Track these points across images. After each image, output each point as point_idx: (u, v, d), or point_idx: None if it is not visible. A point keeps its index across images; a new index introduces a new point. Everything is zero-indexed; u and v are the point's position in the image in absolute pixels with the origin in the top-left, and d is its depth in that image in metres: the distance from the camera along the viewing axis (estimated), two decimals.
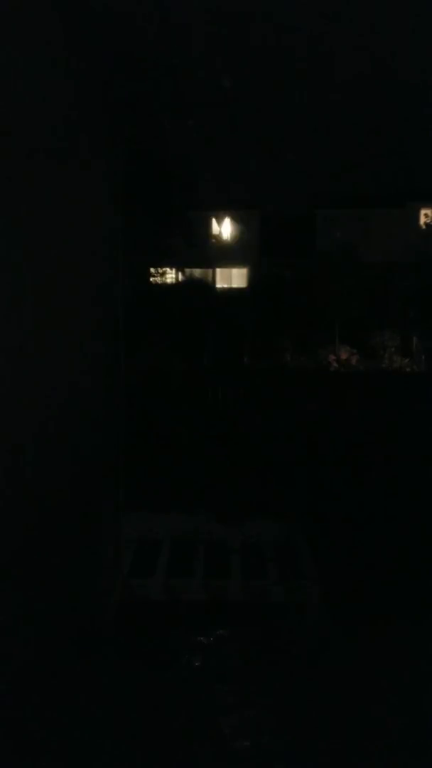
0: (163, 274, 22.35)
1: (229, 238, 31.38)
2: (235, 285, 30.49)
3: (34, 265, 4.79)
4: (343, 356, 21.78)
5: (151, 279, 21.38)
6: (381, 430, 13.94)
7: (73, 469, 6.10)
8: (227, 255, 31.02)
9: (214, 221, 31.12)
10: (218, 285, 30.28)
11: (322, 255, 25.47)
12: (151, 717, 5.80)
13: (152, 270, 21.16)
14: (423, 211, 29.91)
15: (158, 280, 21.97)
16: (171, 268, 24.01)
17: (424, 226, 27.35)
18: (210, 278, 30.14)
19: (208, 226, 30.83)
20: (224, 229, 31.29)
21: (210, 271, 30.46)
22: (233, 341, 21.47)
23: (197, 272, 28.49)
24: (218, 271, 31.09)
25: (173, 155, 15.81)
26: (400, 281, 22.38)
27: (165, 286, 22.83)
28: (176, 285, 24.89)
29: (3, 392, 4.12)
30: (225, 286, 30.32)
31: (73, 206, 6.11)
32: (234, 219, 31.26)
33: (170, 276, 24.51)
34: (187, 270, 27.23)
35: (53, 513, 5.36)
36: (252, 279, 29.96)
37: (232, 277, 31.26)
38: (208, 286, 27.43)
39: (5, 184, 4.13)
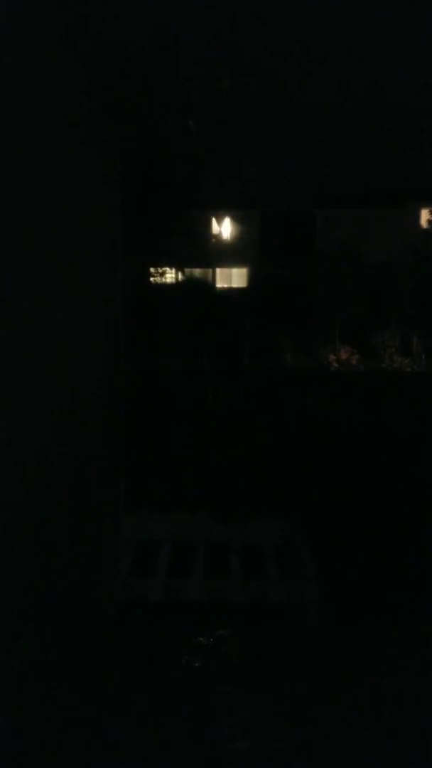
0: (163, 274, 22.33)
1: (229, 238, 31.38)
2: (235, 285, 30.48)
3: (34, 266, 4.78)
4: (343, 356, 21.78)
5: (151, 279, 21.35)
6: (381, 429, 13.95)
7: (73, 469, 6.09)
8: (227, 255, 31.02)
9: (214, 221, 31.12)
10: (218, 285, 30.27)
11: (322, 255, 25.47)
12: (150, 717, 5.79)
13: (152, 270, 21.14)
14: (424, 211, 29.91)
15: (158, 280, 21.95)
16: (171, 268, 23.98)
17: (427, 224, 27.31)
18: (210, 278, 30.13)
19: (208, 226, 30.83)
20: (224, 229, 31.28)
21: (210, 271, 30.45)
22: (233, 341, 21.47)
23: (197, 272, 28.48)
24: (218, 271, 31.08)
25: (173, 155, 15.80)
26: (400, 281, 22.38)
27: (165, 286, 22.81)
28: (176, 285, 24.88)
29: (3, 392, 4.11)
30: (225, 286, 30.31)
31: (73, 206, 6.10)
32: (234, 219, 31.26)
33: (170, 276, 24.48)
34: (187, 270, 27.21)
35: (53, 513, 5.35)
36: (252, 279, 29.95)
37: (232, 277, 31.25)
38: (208, 286, 27.43)
39: (4, 185, 4.12)
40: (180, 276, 26.15)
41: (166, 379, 16.45)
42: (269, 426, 14.11)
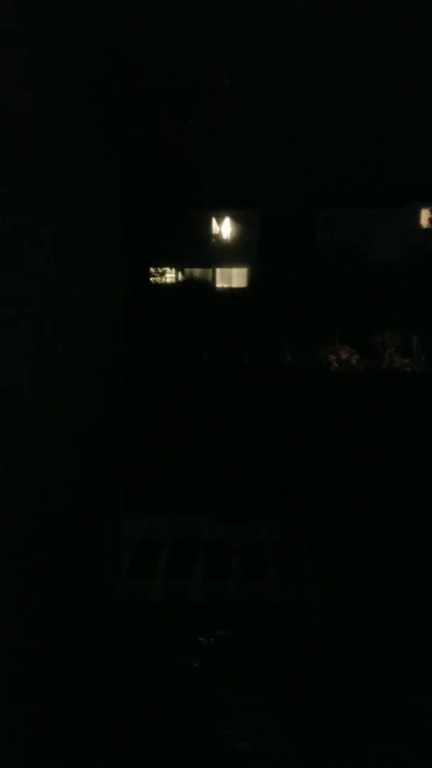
0: (163, 274, 22.32)
1: (229, 238, 31.41)
2: (235, 285, 30.50)
3: (35, 266, 4.78)
4: (343, 356, 21.78)
5: (151, 279, 21.34)
6: (381, 429, 13.94)
7: (73, 469, 6.09)
8: (227, 255, 31.04)
9: (214, 221, 31.14)
10: (218, 285, 30.29)
11: (322, 255, 25.46)
12: (151, 717, 5.79)
13: (152, 270, 21.12)
14: (424, 211, 29.95)
15: (158, 280, 21.94)
16: (171, 268, 23.97)
17: (427, 224, 27.31)
18: (210, 278, 30.15)
19: (208, 225, 30.85)
20: (224, 228, 31.31)
21: (210, 271, 30.47)
22: (233, 341, 21.46)
23: (197, 272, 28.49)
24: (218, 271, 31.11)
25: (174, 154, 15.80)
26: (400, 281, 22.35)
27: (165, 286, 22.80)
28: (176, 285, 24.87)
29: (3, 393, 4.11)
30: (225, 286, 30.33)
31: (74, 206, 6.10)
32: (234, 219, 31.29)
33: (170, 276, 24.47)
34: (187, 270, 27.22)
35: (53, 514, 5.35)
36: (252, 279, 29.97)
37: (232, 277, 31.28)
38: (208, 286, 27.41)
39: (6, 186, 4.11)
40: (180, 276, 26.14)
41: (166, 378, 16.45)
42: (269, 426, 14.11)
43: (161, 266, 21.65)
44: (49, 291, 5.18)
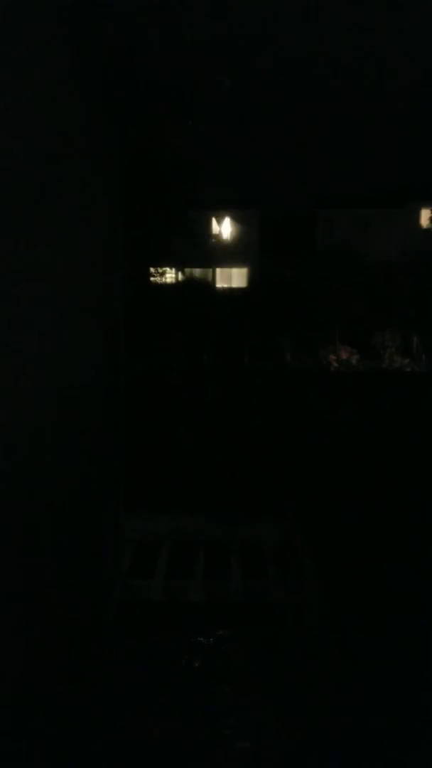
0: (163, 274, 22.34)
1: (229, 238, 31.45)
2: (235, 285, 30.55)
3: (33, 267, 4.78)
4: (343, 356, 21.80)
5: (151, 279, 21.36)
6: (381, 430, 13.97)
7: (74, 469, 6.09)
8: (227, 255, 31.09)
9: (214, 221, 31.18)
10: (218, 285, 30.35)
11: (322, 255, 25.51)
12: (150, 718, 5.79)
13: (152, 270, 21.16)
14: (424, 211, 30.01)
15: (158, 280, 21.96)
16: (171, 268, 23.99)
17: (427, 224, 27.37)
18: (210, 278, 30.19)
19: (208, 225, 30.89)
20: (224, 228, 31.36)
21: (210, 271, 30.53)
22: (233, 341, 21.49)
23: (197, 272, 28.52)
24: (218, 271, 31.16)
25: (174, 154, 15.81)
26: (400, 281, 22.40)
27: (165, 286, 22.82)
28: (176, 285, 24.89)
29: (4, 393, 4.11)
30: (225, 286, 30.38)
31: (72, 206, 6.10)
32: (234, 219, 31.33)
33: (170, 276, 24.50)
34: (187, 270, 27.25)
35: (51, 513, 5.35)
36: (252, 279, 30.02)
37: (232, 277, 31.33)
38: (208, 286, 27.44)
39: (6, 185, 4.11)
40: (180, 276, 26.17)
41: (167, 378, 16.48)
42: (269, 426, 14.13)
43: (161, 266, 21.66)
44: (49, 291, 5.18)
